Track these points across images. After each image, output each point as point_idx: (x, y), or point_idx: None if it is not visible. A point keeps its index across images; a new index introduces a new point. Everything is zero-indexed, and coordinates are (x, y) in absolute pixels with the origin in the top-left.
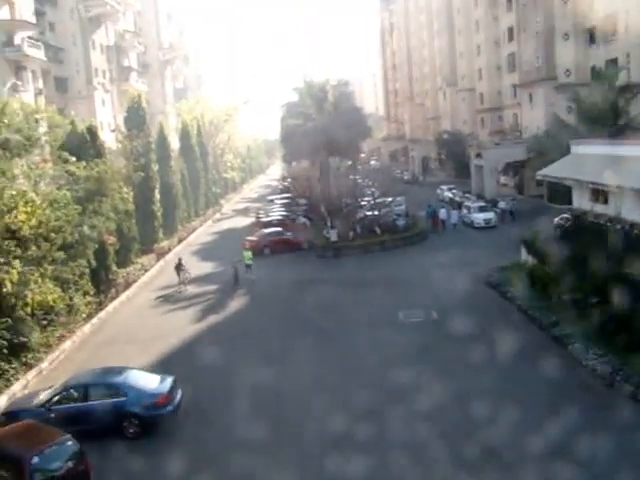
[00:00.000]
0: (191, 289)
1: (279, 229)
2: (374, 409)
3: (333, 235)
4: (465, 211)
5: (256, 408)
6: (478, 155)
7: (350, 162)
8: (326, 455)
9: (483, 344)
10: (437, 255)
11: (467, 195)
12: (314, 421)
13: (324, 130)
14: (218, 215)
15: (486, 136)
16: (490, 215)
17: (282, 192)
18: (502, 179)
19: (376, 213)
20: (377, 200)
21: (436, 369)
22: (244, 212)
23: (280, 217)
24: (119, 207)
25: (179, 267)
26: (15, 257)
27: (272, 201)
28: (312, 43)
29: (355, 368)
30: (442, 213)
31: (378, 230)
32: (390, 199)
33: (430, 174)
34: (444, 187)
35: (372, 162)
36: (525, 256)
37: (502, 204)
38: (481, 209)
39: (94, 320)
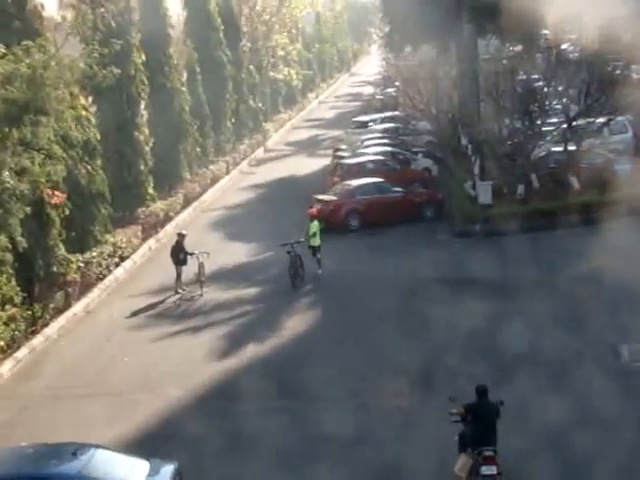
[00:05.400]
0: (210, 293)
1: (377, 180)
2: None
3: (484, 192)
4: None
5: None
6: None
7: (521, 45)
8: None
9: None
10: None
11: None
12: None
13: None
14: (260, 152)
15: None
16: None
17: (383, 108)
18: None
19: (572, 149)
20: (574, 122)
21: None
22: (308, 147)
23: (380, 157)
24: (72, 136)
25: (179, 252)
26: None
27: (365, 125)
28: None
29: None
30: None
31: (575, 183)
32: (601, 120)
33: None
34: None
35: (564, 46)
36: None
37: None
38: None
39: (21, 352)
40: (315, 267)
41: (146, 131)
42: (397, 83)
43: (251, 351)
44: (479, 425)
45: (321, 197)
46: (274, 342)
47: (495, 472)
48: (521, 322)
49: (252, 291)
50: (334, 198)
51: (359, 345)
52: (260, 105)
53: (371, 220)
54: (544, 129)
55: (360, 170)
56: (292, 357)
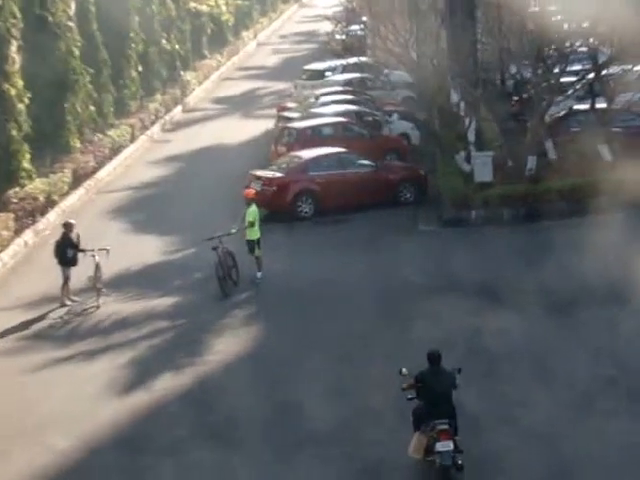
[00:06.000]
0: (109, 305)
1: (338, 150)
2: None
3: (482, 167)
4: None
5: None
6: None
7: None
8: None
9: None
10: None
11: None
12: None
13: None
14: (178, 111)
15: None
16: None
17: (345, 53)
18: None
19: (601, 107)
20: (604, 71)
21: None
22: (244, 105)
23: (341, 119)
24: None
25: (66, 249)
26: None
27: (321, 76)
28: None
29: None
30: None
31: (606, 153)
32: None
33: None
34: None
35: None
36: None
37: None
38: None
39: None
40: (253, 268)
41: (20, 83)
42: (364, 18)
43: (166, 383)
44: (432, 396)
45: (261, 173)
46: (197, 371)
47: (451, 448)
48: (532, 343)
49: (167, 301)
50: (279, 175)
51: (308, 374)
52: (177, 48)
53: (330, 204)
54: (564, 80)
55: (314, 137)
56: (221, 391)
